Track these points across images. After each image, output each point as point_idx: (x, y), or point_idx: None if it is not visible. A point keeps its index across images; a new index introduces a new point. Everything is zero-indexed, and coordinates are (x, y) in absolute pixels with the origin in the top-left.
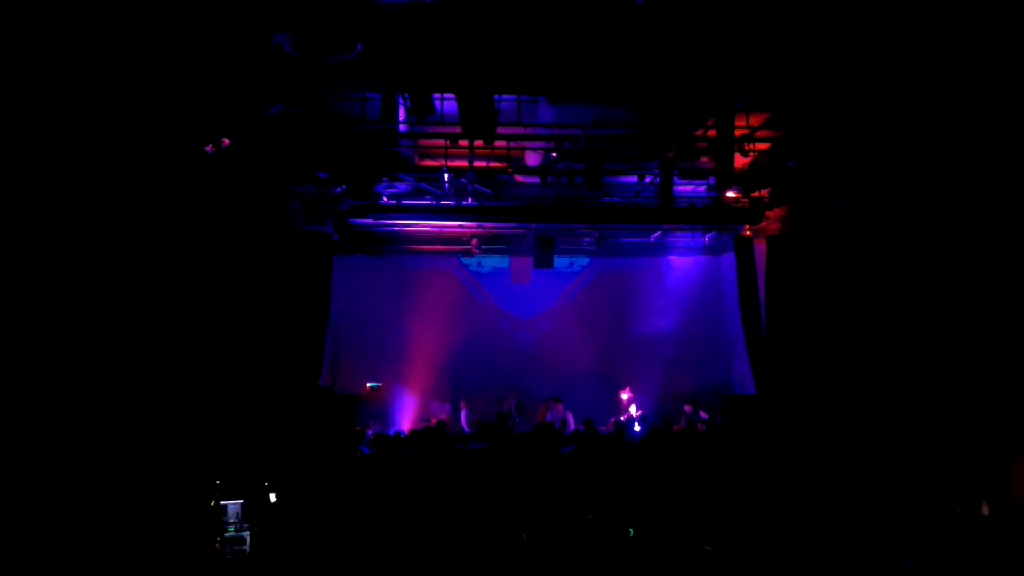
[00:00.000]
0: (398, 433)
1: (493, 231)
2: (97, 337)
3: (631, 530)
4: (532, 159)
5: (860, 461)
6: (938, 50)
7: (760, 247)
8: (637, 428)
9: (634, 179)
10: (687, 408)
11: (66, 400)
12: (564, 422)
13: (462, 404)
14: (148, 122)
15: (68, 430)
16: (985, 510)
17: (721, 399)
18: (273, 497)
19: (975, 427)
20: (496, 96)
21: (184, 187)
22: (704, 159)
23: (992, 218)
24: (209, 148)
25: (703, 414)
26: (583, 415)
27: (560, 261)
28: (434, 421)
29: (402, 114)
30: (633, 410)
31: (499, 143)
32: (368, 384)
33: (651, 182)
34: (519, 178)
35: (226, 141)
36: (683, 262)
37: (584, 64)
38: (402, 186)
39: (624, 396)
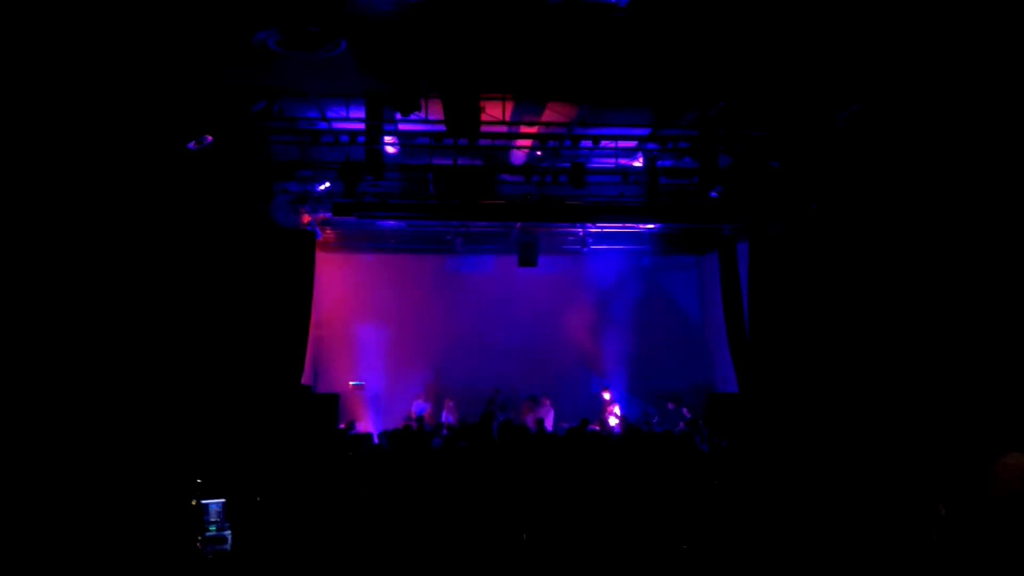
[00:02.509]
0: (369, 434)
1: (478, 229)
2: (76, 335)
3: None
4: (517, 157)
5: (842, 460)
6: (922, 51)
7: (743, 247)
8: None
9: (618, 178)
10: (671, 406)
11: (44, 398)
12: (540, 421)
13: (446, 402)
14: (129, 119)
15: (46, 428)
16: (942, 511)
17: (706, 397)
18: (255, 496)
19: (956, 425)
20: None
21: (166, 185)
22: (688, 159)
23: (974, 222)
24: (192, 145)
25: (686, 412)
26: (568, 413)
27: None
28: (405, 423)
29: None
30: (617, 411)
31: (484, 141)
32: (351, 383)
33: (635, 181)
34: (504, 176)
35: (209, 138)
36: (668, 261)
37: (569, 65)
38: (386, 184)
39: (607, 396)
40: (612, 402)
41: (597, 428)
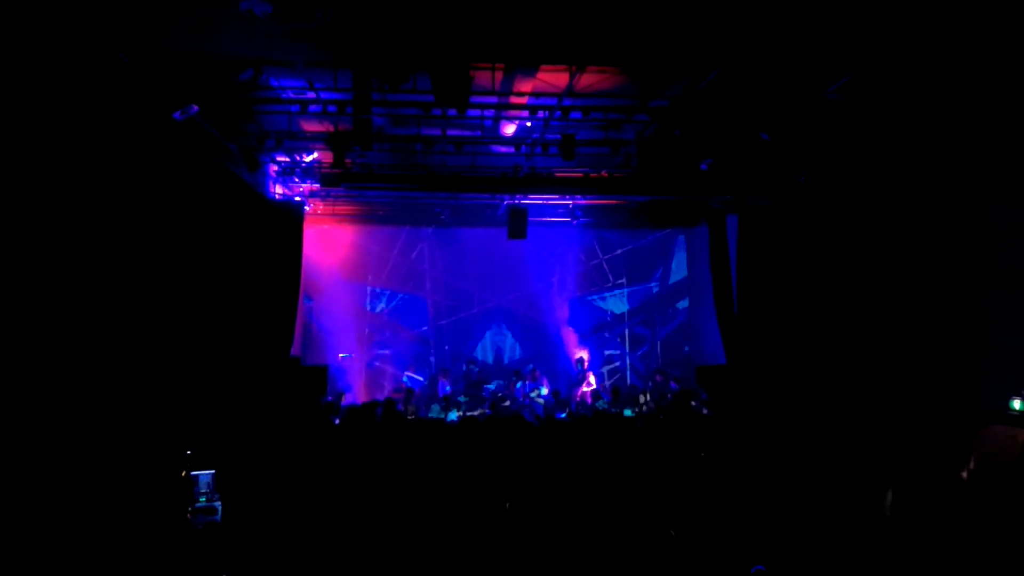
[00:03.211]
0: (353, 406)
1: (467, 201)
2: (63, 307)
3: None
4: (507, 129)
5: (830, 429)
6: (911, 25)
7: (732, 220)
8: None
9: (608, 150)
10: (658, 378)
11: (32, 372)
12: (536, 391)
13: (440, 376)
14: (113, 87)
15: (35, 402)
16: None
17: (694, 370)
18: (245, 468)
19: (939, 395)
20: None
21: (151, 155)
22: (677, 131)
23: (961, 194)
24: (177, 115)
25: (674, 384)
26: (555, 381)
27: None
28: (393, 394)
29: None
30: (593, 381)
31: (473, 112)
32: (340, 355)
33: (625, 153)
34: (493, 148)
35: (195, 108)
36: (656, 233)
37: (560, 33)
38: (374, 155)
39: (582, 355)
40: (587, 366)
41: (580, 399)
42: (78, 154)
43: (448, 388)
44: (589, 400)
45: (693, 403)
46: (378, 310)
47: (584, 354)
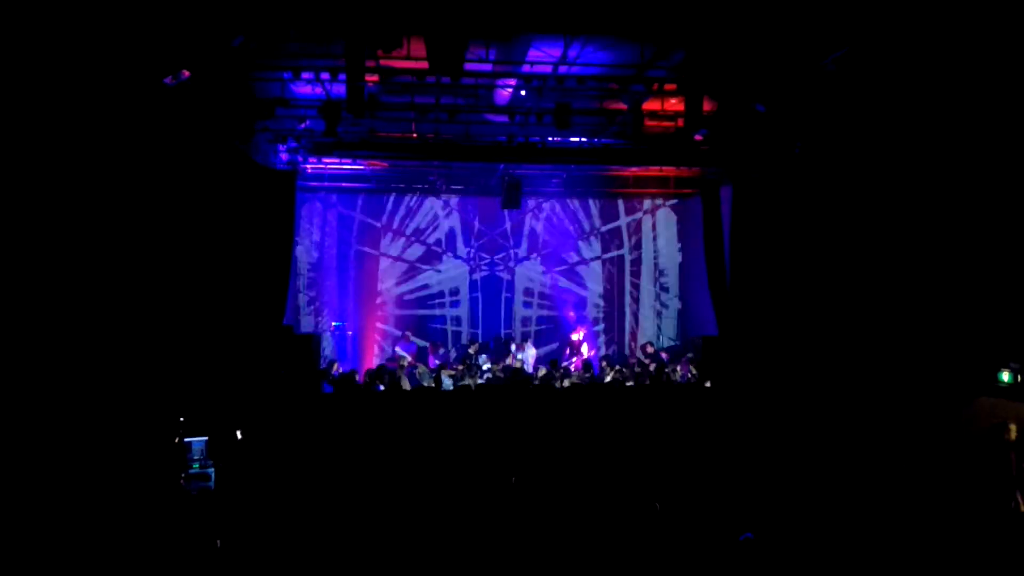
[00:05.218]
0: (354, 371)
1: (460, 170)
2: (58, 277)
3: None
4: (501, 97)
5: (820, 401)
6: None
7: (726, 191)
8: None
9: (603, 119)
10: (649, 348)
11: (29, 342)
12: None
13: (430, 348)
14: (102, 51)
15: (33, 370)
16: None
17: (685, 341)
18: (238, 435)
19: (931, 370)
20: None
21: (143, 121)
22: (673, 101)
23: (958, 170)
24: (168, 80)
25: (664, 356)
26: (549, 355)
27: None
28: (385, 363)
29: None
30: (585, 350)
31: (467, 80)
32: (332, 323)
33: (620, 122)
34: (488, 117)
35: (186, 73)
36: (650, 204)
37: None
38: (367, 123)
39: (575, 337)
40: (581, 344)
41: (573, 368)
42: (67, 121)
43: (437, 361)
44: (580, 369)
45: (680, 373)
46: (374, 275)
47: (579, 330)
